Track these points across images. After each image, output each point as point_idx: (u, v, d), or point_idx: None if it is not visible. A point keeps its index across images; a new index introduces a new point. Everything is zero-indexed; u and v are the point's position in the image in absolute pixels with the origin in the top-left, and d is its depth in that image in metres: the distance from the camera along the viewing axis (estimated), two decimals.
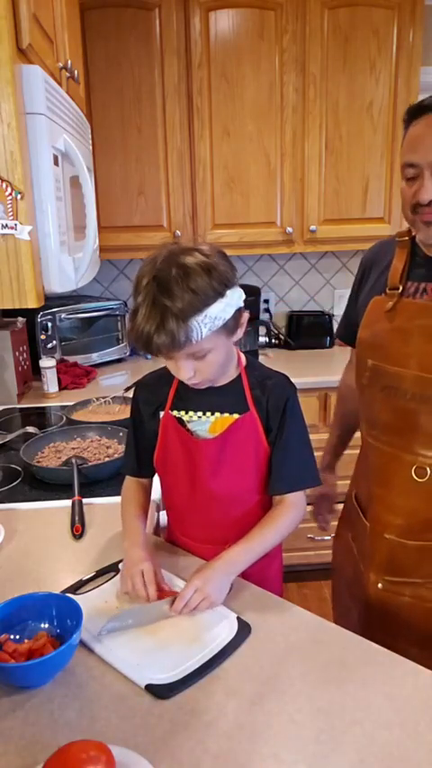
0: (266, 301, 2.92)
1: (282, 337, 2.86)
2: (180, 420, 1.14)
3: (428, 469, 1.11)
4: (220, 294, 0.96)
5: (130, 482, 1.27)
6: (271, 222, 2.52)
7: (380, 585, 1.21)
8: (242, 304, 1.03)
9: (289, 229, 2.51)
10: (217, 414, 1.12)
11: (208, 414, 1.13)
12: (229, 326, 1.01)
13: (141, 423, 1.20)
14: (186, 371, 1.02)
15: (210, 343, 0.98)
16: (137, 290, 0.97)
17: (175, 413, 1.15)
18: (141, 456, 1.22)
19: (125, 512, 1.22)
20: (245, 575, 1.14)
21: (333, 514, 1.54)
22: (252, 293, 2.64)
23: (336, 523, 1.46)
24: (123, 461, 1.29)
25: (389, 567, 1.20)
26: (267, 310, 2.92)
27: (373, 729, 0.79)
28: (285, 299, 2.98)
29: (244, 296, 1.03)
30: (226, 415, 1.12)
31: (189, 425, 1.14)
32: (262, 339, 2.82)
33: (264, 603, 1.05)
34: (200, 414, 1.13)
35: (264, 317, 2.88)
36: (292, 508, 1.13)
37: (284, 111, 2.41)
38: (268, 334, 2.86)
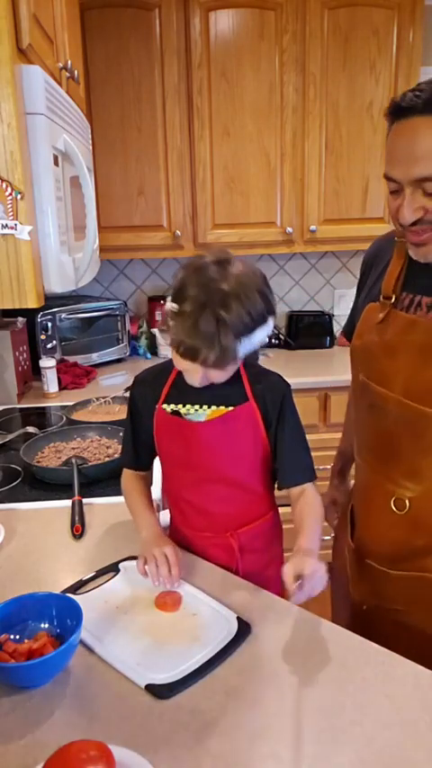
0: None
1: (282, 337, 2.86)
2: (177, 412, 1.15)
3: (407, 502, 1.04)
4: (265, 320, 1.00)
5: (129, 475, 1.28)
6: (271, 222, 2.52)
7: (364, 607, 1.18)
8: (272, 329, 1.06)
9: (289, 229, 2.51)
10: (213, 407, 1.14)
11: (204, 407, 1.14)
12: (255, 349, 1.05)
13: (140, 418, 1.21)
14: (201, 380, 1.06)
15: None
16: (182, 295, 0.97)
17: (172, 406, 1.16)
18: (140, 449, 1.24)
19: (133, 504, 1.23)
20: (246, 575, 1.15)
21: None
22: None
23: None
24: (122, 455, 1.30)
25: (371, 592, 1.16)
26: None
27: (373, 729, 0.79)
28: (285, 299, 2.97)
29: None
30: (222, 408, 1.13)
31: (186, 418, 1.15)
32: None
33: (264, 603, 1.05)
34: (197, 407, 1.15)
35: None
36: (315, 495, 1.14)
37: (284, 111, 2.41)
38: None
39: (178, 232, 2.48)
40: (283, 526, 1.28)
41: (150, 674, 0.88)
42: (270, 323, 1.03)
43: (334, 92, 2.40)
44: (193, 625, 0.99)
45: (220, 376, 1.07)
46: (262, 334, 1.01)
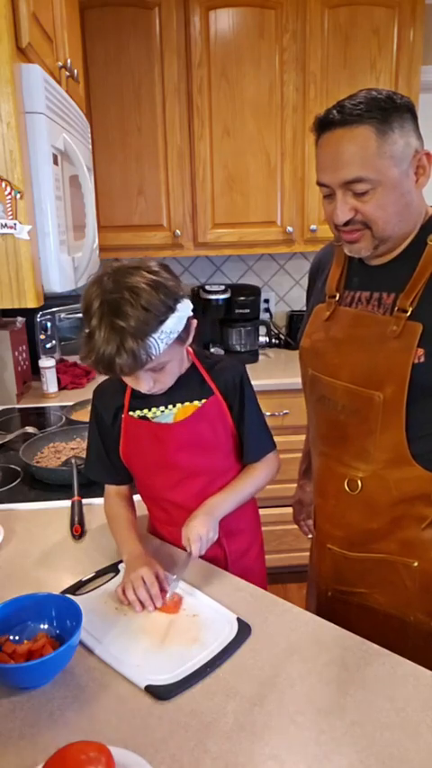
0: (266, 301, 2.91)
1: (282, 337, 2.86)
2: (144, 417, 1.16)
3: (359, 482, 1.12)
4: (172, 309, 1.01)
5: (111, 497, 1.26)
6: (271, 221, 2.52)
7: (329, 594, 1.23)
8: (191, 313, 1.07)
9: (289, 229, 2.50)
10: (179, 404, 1.15)
11: (170, 406, 1.15)
12: (183, 337, 1.06)
13: (107, 430, 1.20)
14: (146, 384, 1.06)
15: (167, 355, 1.03)
16: (88, 313, 0.98)
17: (138, 412, 1.16)
18: (115, 463, 1.22)
19: (115, 524, 1.21)
20: (234, 560, 1.20)
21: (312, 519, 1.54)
22: (252, 293, 2.64)
23: None
24: (95, 473, 1.26)
25: (334, 577, 1.21)
26: (267, 310, 2.91)
27: (373, 730, 0.79)
28: (285, 299, 2.97)
29: (191, 306, 1.07)
30: (187, 403, 1.15)
31: (154, 421, 1.16)
32: (262, 339, 2.81)
33: (264, 604, 1.05)
34: (162, 408, 1.16)
35: (264, 316, 2.87)
36: (266, 465, 1.23)
37: (285, 111, 2.40)
38: (268, 334, 2.85)
39: (178, 231, 2.47)
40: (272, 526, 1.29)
41: (150, 675, 0.88)
42: (183, 306, 1.03)
43: (334, 91, 2.39)
44: (193, 626, 0.99)
45: (165, 377, 1.08)
46: (176, 321, 1.01)
